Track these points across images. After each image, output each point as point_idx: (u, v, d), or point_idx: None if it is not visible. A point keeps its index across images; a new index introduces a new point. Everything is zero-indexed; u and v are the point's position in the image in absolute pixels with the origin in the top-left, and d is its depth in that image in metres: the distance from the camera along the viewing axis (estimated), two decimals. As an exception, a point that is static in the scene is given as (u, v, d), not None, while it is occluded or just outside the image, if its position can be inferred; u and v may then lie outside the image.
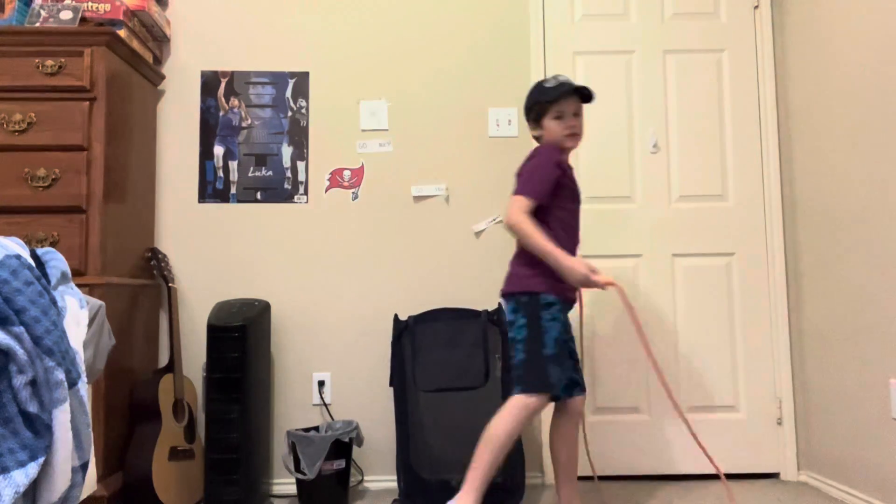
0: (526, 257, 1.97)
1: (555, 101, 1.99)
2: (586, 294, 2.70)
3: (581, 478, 2.58)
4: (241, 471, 2.28)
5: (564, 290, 1.95)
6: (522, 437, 2.37)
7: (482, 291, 2.65)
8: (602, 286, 1.84)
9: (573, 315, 2.03)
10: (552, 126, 2.01)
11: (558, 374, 1.89)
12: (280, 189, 2.72)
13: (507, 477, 2.23)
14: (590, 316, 2.69)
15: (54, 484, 1.22)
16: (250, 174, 2.72)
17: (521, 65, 2.77)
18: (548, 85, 2.01)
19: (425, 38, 2.78)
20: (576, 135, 2.02)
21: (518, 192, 1.94)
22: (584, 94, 2.01)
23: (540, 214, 1.94)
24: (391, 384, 2.40)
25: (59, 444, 1.22)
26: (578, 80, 2.79)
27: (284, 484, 2.56)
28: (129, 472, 2.22)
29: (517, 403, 1.87)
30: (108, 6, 2.36)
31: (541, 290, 1.92)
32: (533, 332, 1.91)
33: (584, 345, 2.68)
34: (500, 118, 2.76)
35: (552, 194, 1.95)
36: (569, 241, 1.97)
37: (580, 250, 2.08)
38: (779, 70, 2.75)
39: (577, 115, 2.01)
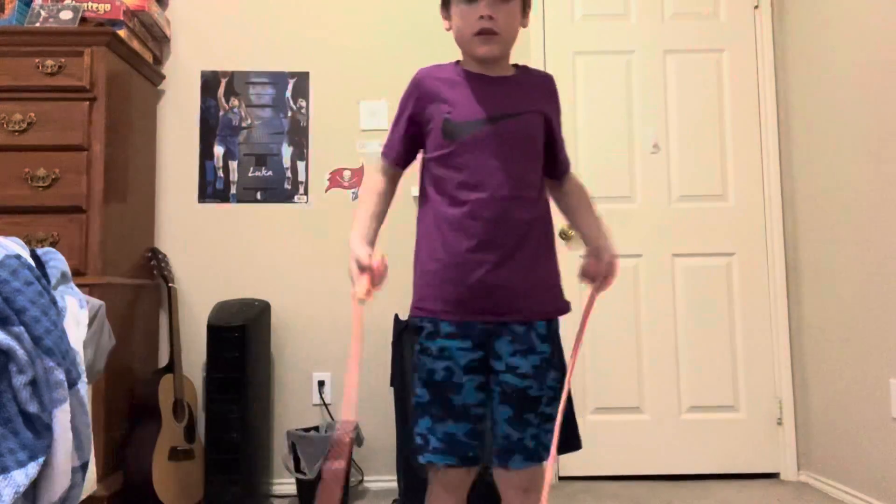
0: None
1: None
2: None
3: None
4: (241, 471, 2.27)
5: (440, 304, 1.26)
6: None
7: (482, 291, 2.65)
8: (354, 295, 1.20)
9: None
10: (457, 15, 1.27)
11: (426, 428, 1.26)
12: (280, 189, 2.72)
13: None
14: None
15: (54, 484, 1.22)
16: (250, 174, 2.72)
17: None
18: None
19: (425, 38, 2.78)
20: (490, 33, 1.23)
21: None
22: None
23: (422, 179, 1.35)
24: (391, 384, 2.39)
25: (59, 444, 1.22)
26: (578, 80, 2.79)
27: (284, 484, 2.56)
28: (129, 472, 2.22)
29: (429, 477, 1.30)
30: (108, 6, 2.36)
31: (414, 314, 1.32)
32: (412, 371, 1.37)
33: (582, 345, 2.68)
34: (500, 118, 2.76)
35: (410, 147, 1.34)
36: (462, 215, 1.24)
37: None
38: (779, 70, 2.75)
39: (504, 0, 1.23)
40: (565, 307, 1.33)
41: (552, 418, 1.24)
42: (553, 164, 1.36)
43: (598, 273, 1.27)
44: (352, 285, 1.20)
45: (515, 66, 1.36)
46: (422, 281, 1.31)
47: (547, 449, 1.24)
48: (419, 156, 1.36)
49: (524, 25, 1.31)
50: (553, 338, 1.29)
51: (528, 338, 1.25)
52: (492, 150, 1.24)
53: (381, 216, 1.32)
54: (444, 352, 1.24)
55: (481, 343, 1.25)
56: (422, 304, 1.30)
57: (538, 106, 1.31)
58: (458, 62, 1.34)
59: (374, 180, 1.36)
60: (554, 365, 1.28)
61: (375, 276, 1.19)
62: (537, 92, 1.34)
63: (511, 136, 1.26)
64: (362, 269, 1.19)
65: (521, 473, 1.24)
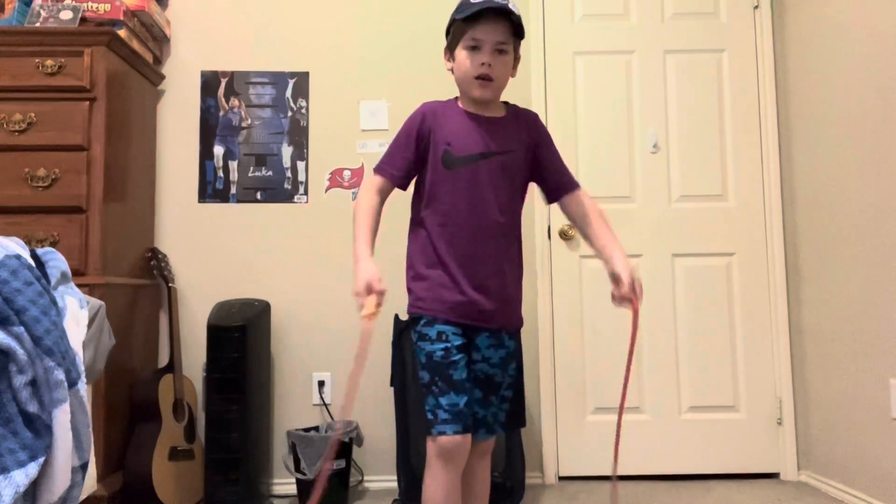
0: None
1: (471, 22, 1.41)
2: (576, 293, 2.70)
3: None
4: (241, 471, 2.28)
5: (438, 305, 1.46)
6: (522, 437, 2.38)
7: (482, 291, 2.65)
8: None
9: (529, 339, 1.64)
10: (460, 60, 1.46)
11: (433, 404, 1.43)
12: (280, 189, 2.72)
13: (508, 476, 2.23)
14: (589, 313, 2.69)
15: (54, 484, 1.22)
16: (250, 174, 2.72)
17: (520, 65, 2.75)
18: None
19: (425, 38, 2.78)
20: (487, 79, 1.44)
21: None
22: (517, 24, 1.44)
23: (417, 200, 1.54)
24: (391, 384, 2.40)
25: (59, 444, 1.22)
26: (578, 81, 2.79)
27: (284, 484, 2.56)
28: (129, 472, 2.22)
29: (428, 453, 1.45)
30: (108, 6, 2.36)
31: (413, 311, 1.50)
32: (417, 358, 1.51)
33: (583, 343, 2.68)
34: (500, 118, 2.76)
35: (413, 171, 1.52)
36: (460, 238, 1.45)
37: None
38: (779, 70, 2.75)
39: (503, 52, 1.45)
40: (522, 321, 1.60)
41: (507, 399, 1.55)
42: (559, 182, 1.58)
43: (625, 297, 1.41)
44: (359, 303, 1.31)
45: (505, 104, 1.57)
46: (418, 285, 1.50)
47: (501, 424, 1.55)
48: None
49: (513, 76, 1.54)
50: (517, 336, 1.59)
51: (500, 336, 1.52)
52: (483, 181, 1.46)
53: (375, 232, 1.50)
54: (442, 335, 1.44)
55: (466, 334, 1.48)
56: (421, 304, 1.49)
57: (524, 143, 1.53)
58: (456, 100, 1.55)
59: (369, 199, 1.49)
60: (516, 357, 1.57)
61: (382, 298, 1.33)
62: (524, 131, 1.54)
63: (499, 170, 1.47)
64: (372, 291, 1.32)
65: (481, 443, 1.53)
